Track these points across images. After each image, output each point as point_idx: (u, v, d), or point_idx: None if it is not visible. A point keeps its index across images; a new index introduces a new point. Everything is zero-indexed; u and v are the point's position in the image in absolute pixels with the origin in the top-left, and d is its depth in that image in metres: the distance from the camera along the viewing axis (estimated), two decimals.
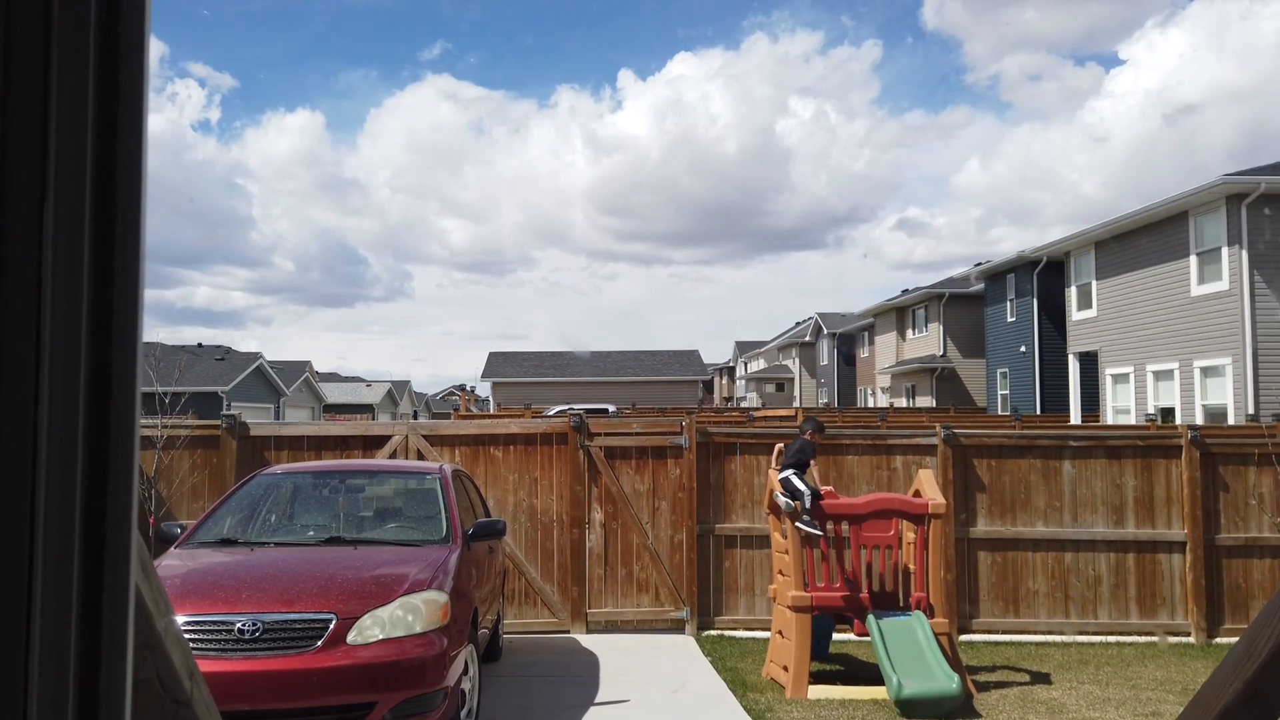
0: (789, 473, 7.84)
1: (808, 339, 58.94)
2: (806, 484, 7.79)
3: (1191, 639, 9.86)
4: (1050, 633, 9.91)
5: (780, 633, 8.06)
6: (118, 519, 0.64)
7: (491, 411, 41.72)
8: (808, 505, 7.66)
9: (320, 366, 66.16)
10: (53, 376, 0.62)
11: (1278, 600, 1.04)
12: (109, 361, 0.64)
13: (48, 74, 0.62)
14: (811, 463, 8.03)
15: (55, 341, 0.61)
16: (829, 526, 7.90)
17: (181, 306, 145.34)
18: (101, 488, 0.64)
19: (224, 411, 12.14)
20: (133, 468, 0.65)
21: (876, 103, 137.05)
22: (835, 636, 8.95)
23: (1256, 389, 18.15)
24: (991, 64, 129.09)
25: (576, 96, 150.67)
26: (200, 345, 49.04)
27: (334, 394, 61.76)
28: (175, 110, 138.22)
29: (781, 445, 8.49)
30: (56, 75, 0.62)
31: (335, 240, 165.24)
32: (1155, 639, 9.76)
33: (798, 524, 7.69)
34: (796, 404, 54.86)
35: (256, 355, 43.31)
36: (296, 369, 51.53)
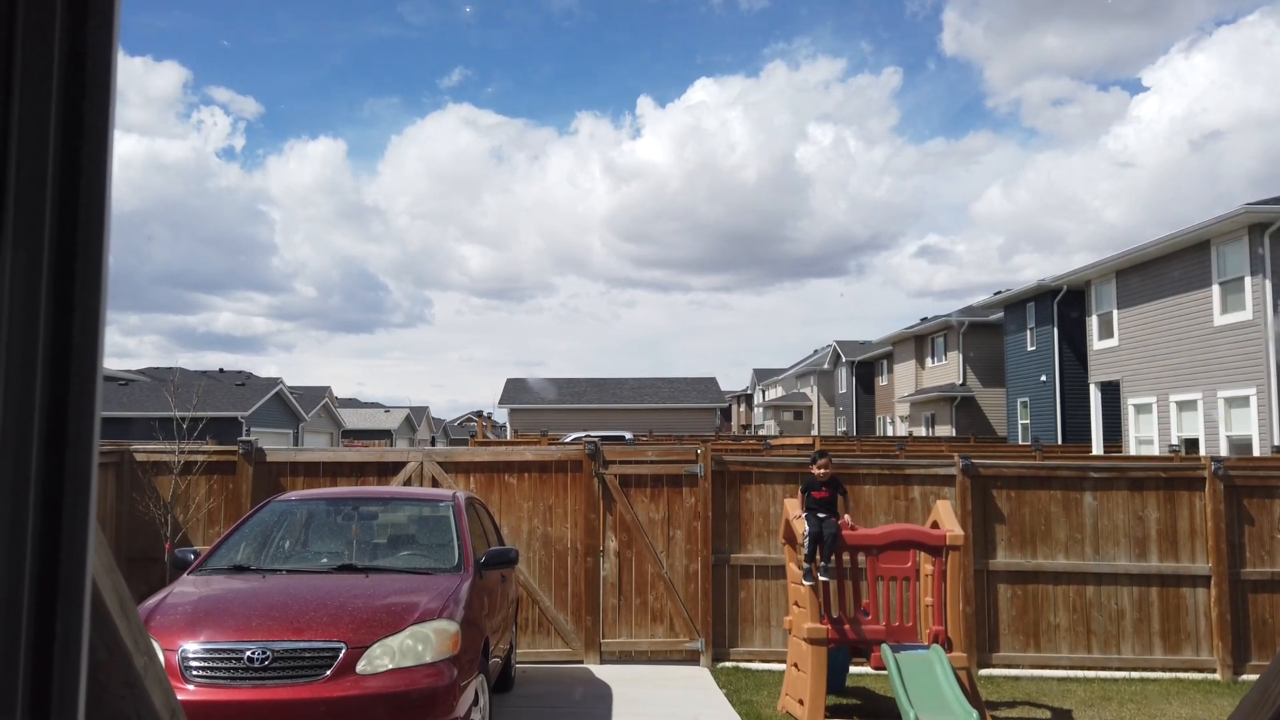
0: (805, 517, 7.79)
1: (826, 367, 58.74)
2: (816, 522, 7.69)
3: (1217, 675, 9.65)
4: (1072, 668, 9.73)
5: (796, 665, 7.95)
6: (72, 563, 0.62)
7: (508, 438, 41.76)
8: (808, 550, 7.62)
9: (340, 392, 66.53)
10: (5, 409, 0.60)
11: None
12: (65, 399, 0.62)
13: (8, 104, 0.60)
14: (815, 493, 7.91)
15: (10, 378, 0.60)
16: (845, 557, 7.82)
17: (203, 331, 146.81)
18: (55, 526, 0.62)
19: (242, 437, 12.20)
20: (89, 505, 0.63)
21: (896, 129, 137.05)
22: (852, 670, 8.82)
23: None
24: (1012, 89, 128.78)
25: (596, 123, 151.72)
26: (221, 371, 49.47)
27: (353, 420, 62.04)
28: (200, 138, 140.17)
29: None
30: (18, 106, 0.61)
31: (356, 267, 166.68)
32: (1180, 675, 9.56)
33: (820, 576, 7.66)
34: (814, 432, 54.58)
35: (276, 381, 43.59)
36: (316, 395, 51.82)
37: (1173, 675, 9.62)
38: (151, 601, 6.01)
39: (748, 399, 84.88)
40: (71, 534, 0.63)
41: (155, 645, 5.48)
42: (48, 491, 0.62)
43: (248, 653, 5.29)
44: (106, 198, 0.65)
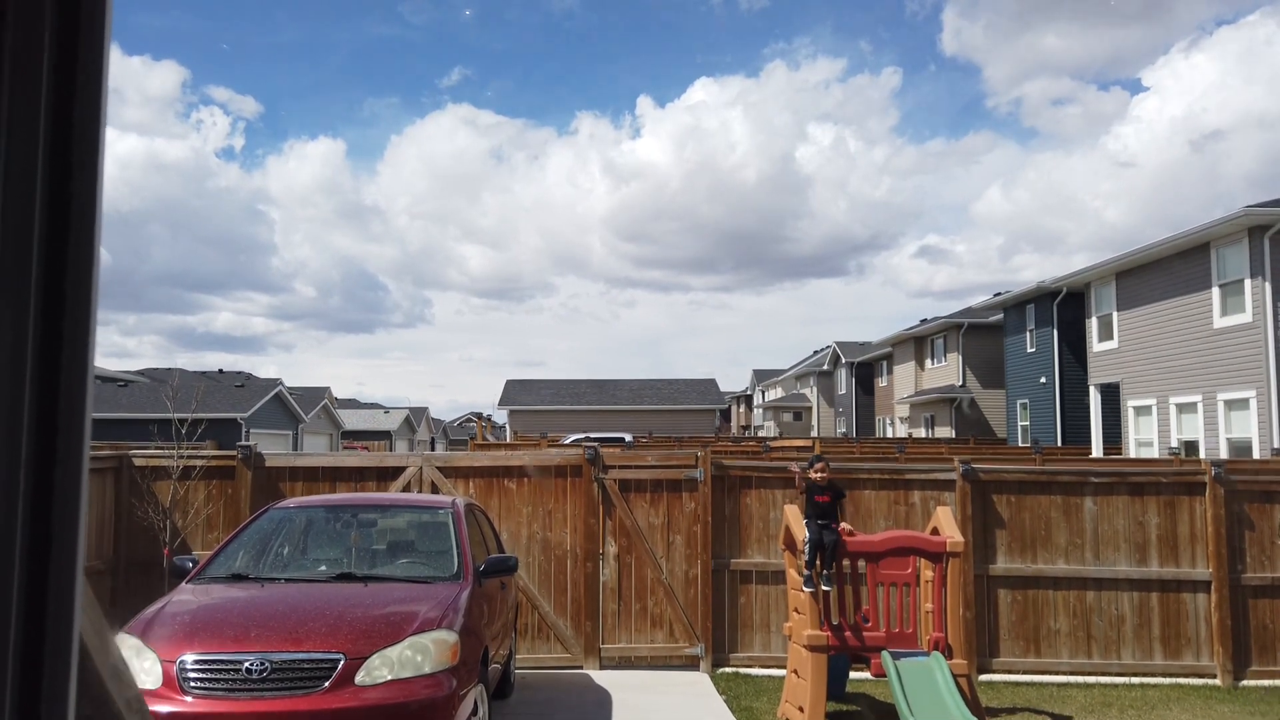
0: (806, 523, 7.76)
1: (826, 368, 58.71)
2: (816, 529, 7.66)
3: (1217, 681, 9.63)
4: (1073, 673, 9.71)
5: (795, 672, 7.93)
6: (60, 583, 0.60)
7: (508, 439, 41.73)
8: (809, 557, 7.58)
9: (339, 393, 66.51)
10: None
11: None
12: (55, 405, 0.61)
13: None
14: (819, 499, 7.88)
15: None
16: (845, 563, 7.80)
17: (202, 332, 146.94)
18: (45, 540, 0.60)
19: (241, 441, 12.17)
20: (79, 519, 0.62)
21: (896, 129, 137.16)
22: (852, 676, 8.80)
23: None
24: (1012, 89, 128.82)
25: (596, 123, 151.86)
26: (221, 371, 49.49)
27: (352, 420, 61.97)
28: (199, 138, 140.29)
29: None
30: (7, 107, 0.59)
31: (355, 267, 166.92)
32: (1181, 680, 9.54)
33: (821, 584, 7.63)
34: (814, 433, 54.58)
35: (276, 382, 43.54)
36: (315, 395, 51.76)
37: (1173, 681, 9.61)
38: (149, 611, 5.98)
39: (747, 400, 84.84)
40: (60, 550, 0.61)
41: (155, 656, 5.39)
42: (36, 503, 0.61)
43: (246, 664, 5.27)
44: (97, 201, 0.63)
